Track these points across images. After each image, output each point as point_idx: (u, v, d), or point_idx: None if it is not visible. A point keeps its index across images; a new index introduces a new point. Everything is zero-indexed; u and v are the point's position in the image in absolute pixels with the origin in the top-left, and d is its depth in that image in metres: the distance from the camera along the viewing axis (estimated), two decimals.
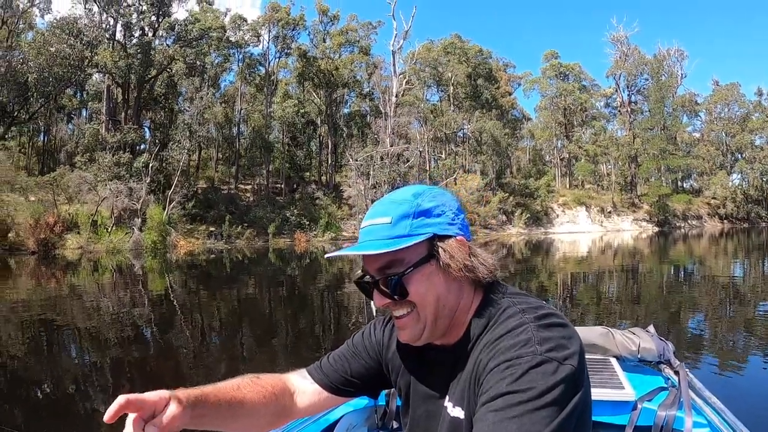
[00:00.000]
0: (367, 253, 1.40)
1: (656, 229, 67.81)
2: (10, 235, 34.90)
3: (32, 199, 38.76)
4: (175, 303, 15.08)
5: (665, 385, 2.89)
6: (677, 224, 71.64)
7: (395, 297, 1.42)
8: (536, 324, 1.27)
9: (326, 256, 1.67)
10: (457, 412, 1.41)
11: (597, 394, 2.57)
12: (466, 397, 1.36)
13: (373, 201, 38.42)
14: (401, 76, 59.57)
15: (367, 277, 1.49)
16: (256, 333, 10.68)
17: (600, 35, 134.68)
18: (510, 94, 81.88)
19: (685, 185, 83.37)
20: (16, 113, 38.19)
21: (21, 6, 40.05)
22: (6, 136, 42.58)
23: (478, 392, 1.26)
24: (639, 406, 2.65)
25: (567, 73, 79.66)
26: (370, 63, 67.36)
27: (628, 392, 2.68)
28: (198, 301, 15.95)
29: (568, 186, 77.93)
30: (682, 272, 21.54)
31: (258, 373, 1.68)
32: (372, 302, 1.51)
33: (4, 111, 37.30)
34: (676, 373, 3.00)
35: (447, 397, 1.46)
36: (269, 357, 8.25)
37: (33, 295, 16.70)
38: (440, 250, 1.40)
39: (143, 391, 1.26)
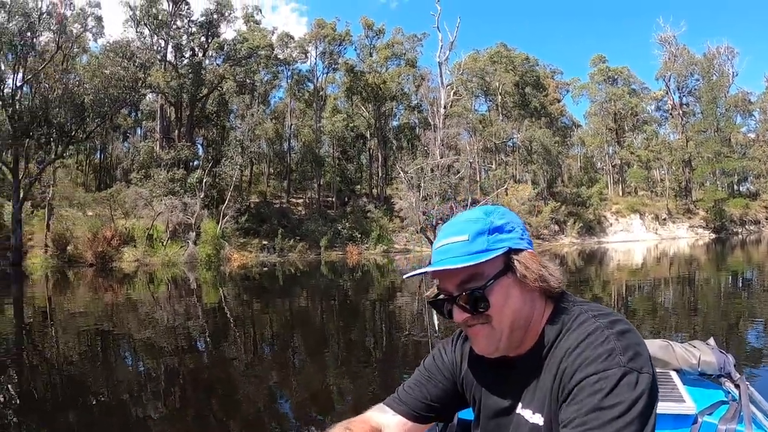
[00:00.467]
0: (448, 269, 1.45)
1: (713, 235, 65.51)
2: (69, 248, 35.97)
3: (90, 214, 39.91)
4: (228, 314, 15.23)
5: (725, 399, 2.85)
6: (734, 230, 68.99)
7: (476, 311, 1.47)
8: (613, 331, 1.33)
9: (405, 276, 1.76)
10: (537, 419, 1.44)
11: (659, 407, 2.52)
12: (548, 403, 1.40)
13: (424, 213, 37.85)
14: (449, 87, 59.43)
15: (442, 295, 1.54)
16: (308, 344, 10.68)
17: (647, 37, 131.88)
18: (559, 101, 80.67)
19: (741, 189, 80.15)
20: (73, 133, 39.33)
21: (75, 31, 41.26)
22: (64, 155, 43.92)
23: (564, 399, 1.32)
24: (699, 419, 2.63)
25: (615, 77, 77.81)
26: (417, 75, 67.43)
27: (688, 406, 2.66)
28: (251, 312, 16.04)
29: (620, 193, 75.96)
30: (741, 280, 20.86)
31: (346, 422, 1.74)
32: (435, 319, 1.59)
33: (62, 131, 38.45)
34: (737, 386, 2.96)
35: (520, 405, 1.51)
36: (320, 368, 8.23)
37: (90, 306, 17.14)
38: (516, 262, 1.47)
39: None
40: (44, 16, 38.26)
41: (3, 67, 38.04)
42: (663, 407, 2.58)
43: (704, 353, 3.21)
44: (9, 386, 7.26)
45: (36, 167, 41.18)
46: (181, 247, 40.15)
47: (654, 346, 3.23)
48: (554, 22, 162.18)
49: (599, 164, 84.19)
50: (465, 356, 1.73)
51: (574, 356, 1.33)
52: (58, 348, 10.35)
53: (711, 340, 3.44)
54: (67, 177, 45.70)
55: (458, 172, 54.16)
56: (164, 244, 40.16)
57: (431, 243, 47.28)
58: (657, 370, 3.01)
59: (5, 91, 37.93)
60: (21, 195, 36.55)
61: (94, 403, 6.55)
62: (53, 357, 9.53)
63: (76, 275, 29.87)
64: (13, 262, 34.64)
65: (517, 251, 1.48)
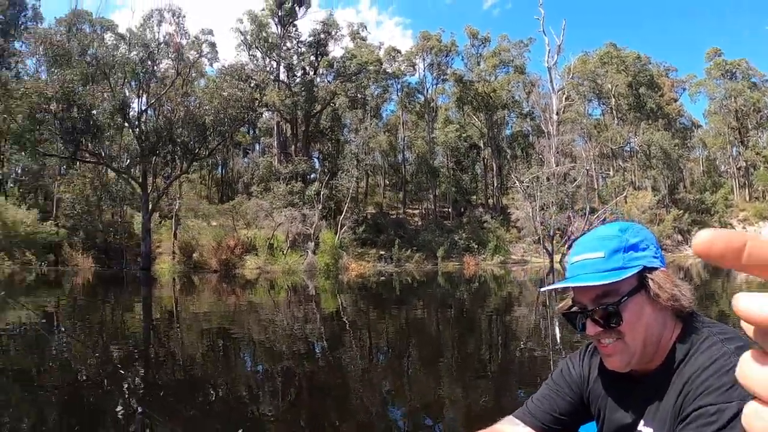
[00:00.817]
0: (586, 285, 1.54)
1: None
2: (194, 255, 38.02)
3: (214, 224, 42.15)
4: (345, 321, 15.40)
5: None
6: None
7: (609, 325, 1.53)
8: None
9: (541, 289, 1.64)
10: None
11: None
12: (668, 423, 1.43)
13: (541, 223, 37.11)
14: (560, 92, 58.54)
15: (576, 307, 1.63)
16: (422, 353, 10.61)
17: (763, 24, 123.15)
18: (675, 101, 77.08)
19: None
20: (196, 150, 41.60)
21: (191, 57, 43.71)
22: (189, 170, 46.42)
23: (680, 421, 1.36)
24: None
25: (734, 70, 72.87)
26: (526, 82, 66.63)
27: None
28: (367, 320, 16.11)
29: (747, 198, 71.27)
30: None
31: None
32: (557, 333, 1.68)
33: (186, 149, 40.79)
34: None
35: (642, 422, 1.54)
36: (433, 378, 8.12)
37: (213, 308, 18.00)
38: (650, 281, 1.51)
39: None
40: (162, 45, 40.93)
41: (128, 93, 40.70)
42: None
43: None
44: (136, 378, 7.66)
45: (163, 182, 44.30)
46: (301, 256, 41.29)
47: None
48: (662, 16, 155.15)
49: (723, 167, 79.30)
50: (593, 370, 1.79)
51: (698, 382, 1.35)
52: (182, 345, 10.87)
53: None
54: (191, 190, 48.50)
55: (574, 180, 53.02)
56: (284, 253, 41.47)
57: (549, 254, 45.84)
58: None
59: (132, 114, 40.97)
60: (150, 207, 39.15)
61: (213, 398, 6.82)
62: (177, 353, 10.01)
63: (200, 280, 31.33)
64: (143, 267, 37.01)
65: (651, 270, 1.53)
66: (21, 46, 53.17)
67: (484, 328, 14.35)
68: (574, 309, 1.62)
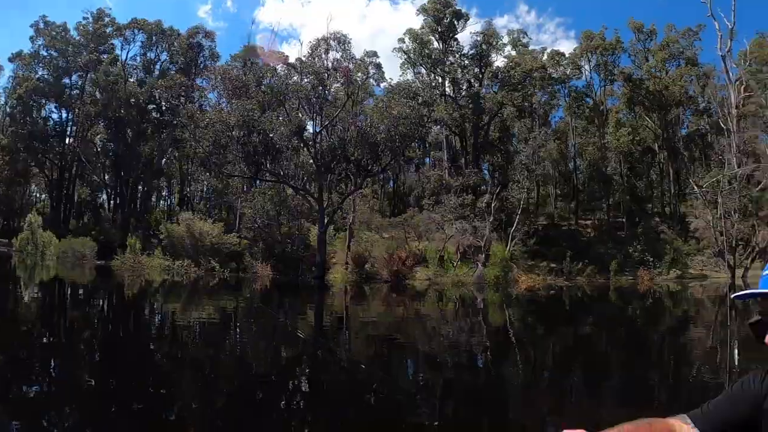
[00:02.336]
0: None
1: None
2: (367, 265, 39.62)
3: (386, 236, 43.58)
4: (511, 335, 15.41)
5: None
6: None
7: None
8: None
9: (733, 295, 1.74)
10: None
11: None
12: None
13: (722, 233, 34.33)
14: (737, 83, 54.26)
15: (762, 318, 1.61)
16: (587, 374, 10.38)
17: None
18: None
19: None
20: (369, 167, 43.49)
21: (359, 80, 45.81)
22: (362, 186, 48.61)
23: None
24: None
25: None
26: (700, 74, 62.02)
27: None
28: (534, 335, 16.02)
29: None
30: None
31: (651, 419, 1.84)
32: (735, 356, 1.79)
33: (359, 166, 42.82)
34: None
35: None
36: (597, 401, 8.03)
37: (382, 316, 18.73)
38: None
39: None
40: (331, 71, 43.16)
41: (302, 117, 43.58)
42: None
43: None
44: (302, 377, 8.44)
45: (338, 197, 46.69)
46: (471, 268, 41.60)
47: None
48: None
49: None
50: None
51: None
52: (348, 350, 11.52)
53: None
54: (364, 204, 50.41)
55: (759, 183, 49.34)
56: (454, 264, 41.99)
57: (730, 267, 42.32)
58: None
59: (307, 136, 43.66)
60: (325, 220, 41.37)
61: (372, 401, 7.31)
62: (343, 357, 10.61)
63: (371, 289, 32.71)
64: (317, 276, 39.05)
65: None
66: (202, 82, 59.06)
67: (655, 350, 13.86)
68: (761, 320, 1.60)
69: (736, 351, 11.29)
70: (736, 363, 10.21)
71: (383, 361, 10.62)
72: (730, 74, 52.11)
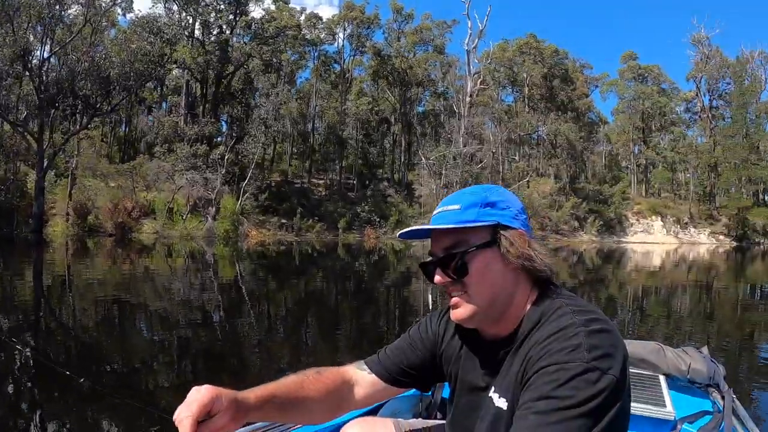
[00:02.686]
0: (436, 228, 1.51)
1: (734, 244, 64.26)
2: (90, 217, 36.40)
3: (112, 185, 40.34)
4: (243, 291, 15.26)
5: (710, 410, 2.82)
6: (756, 240, 67.66)
7: (454, 275, 1.51)
8: (587, 329, 1.31)
9: (398, 234, 1.65)
10: (502, 403, 1.46)
11: (639, 410, 2.61)
12: (512, 389, 1.41)
13: None
14: (476, 75, 59.10)
15: (432, 258, 1.58)
16: (321, 324, 10.70)
17: (680, 36, 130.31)
18: (586, 96, 79.61)
19: (767, 198, 79.26)
20: (98, 105, 39.68)
21: (103, 5, 41.41)
22: (89, 126, 44.34)
23: (522, 386, 1.33)
24: (679, 426, 2.61)
25: (646, 75, 77.16)
26: (444, 62, 67.15)
27: (669, 411, 2.64)
28: (266, 290, 16.03)
29: (644, 194, 75.49)
30: (759, 293, 20.59)
31: (320, 368, 1.75)
32: (429, 297, 1.61)
33: (87, 103, 38.87)
34: (723, 398, 2.93)
35: (492, 388, 1.52)
36: (331, 348, 8.31)
37: (108, 275, 17.24)
38: (502, 237, 1.49)
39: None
40: None
41: (32, 39, 38.29)
42: (644, 410, 2.64)
43: (695, 361, 3.18)
44: (26, 350, 7.28)
45: (61, 137, 41.59)
46: (200, 221, 40.42)
47: (646, 348, 3.25)
48: (586, 15, 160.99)
49: (624, 163, 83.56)
50: (449, 330, 1.76)
51: (541, 347, 1.33)
52: (74, 315, 10.40)
53: (704, 349, 3.44)
54: (91, 148, 46.09)
55: (481, 162, 54.00)
56: (184, 217, 40.43)
57: None
58: (646, 373, 3.07)
59: (33, 62, 38.43)
60: (45, 164, 36.89)
61: (107, 370, 6.62)
62: (69, 323, 9.58)
63: (95, 244, 30.17)
64: (33, 230, 34.98)
65: (506, 227, 1.51)
66: None
67: (382, 301, 14.56)
68: (429, 260, 1.59)
69: (429, 293, 12.04)
70: (430, 303, 11.04)
71: (113, 324, 9.81)
72: (471, 67, 57.77)
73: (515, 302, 1.51)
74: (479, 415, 1.55)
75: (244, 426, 2.11)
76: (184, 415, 1.28)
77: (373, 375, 1.81)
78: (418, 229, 1.57)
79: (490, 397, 1.51)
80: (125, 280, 16.26)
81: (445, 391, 1.99)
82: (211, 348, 8.09)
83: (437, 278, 1.54)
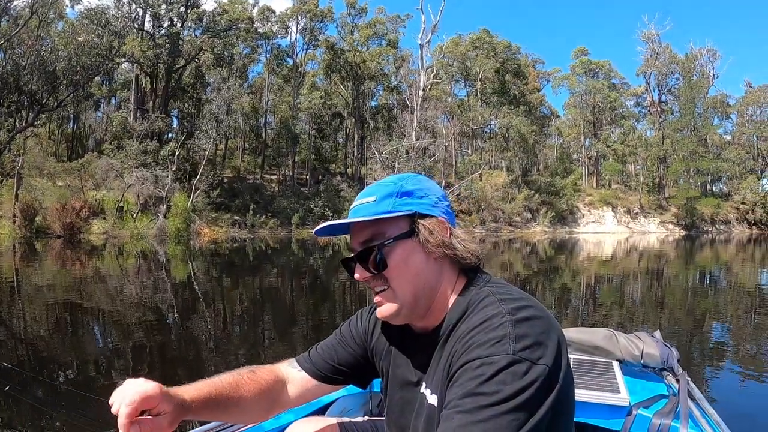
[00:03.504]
0: (351, 221, 1.47)
1: (683, 232, 66.57)
2: (37, 219, 35.46)
3: (60, 184, 39.32)
4: (197, 290, 15.11)
5: (665, 393, 2.84)
6: (704, 228, 70.01)
7: (373, 270, 1.46)
8: (513, 318, 1.25)
9: (314, 230, 1.60)
10: (433, 400, 1.42)
11: (593, 397, 2.61)
12: (440, 385, 1.36)
13: None
14: (429, 70, 59.39)
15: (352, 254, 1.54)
16: (277, 322, 10.64)
17: (631, 32, 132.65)
18: (538, 91, 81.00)
19: (714, 189, 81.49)
20: (45, 101, 38.58)
21: None
22: (35, 123, 43.17)
23: (448, 382, 1.27)
24: (634, 412, 2.61)
25: (597, 70, 78.64)
26: (397, 56, 67.23)
27: (623, 397, 2.63)
28: (220, 288, 15.94)
29: (595, 185, 76.95)
30: (707, 278, 21.10)
31: (254, 366, 1.72)
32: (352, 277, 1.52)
33: (33, 98, 37.77)
34: (678, 381, 2.95)
35: (424, 384, 1.49)
36: (288, 346, 8.20)
37: (58, 278, 16.83)
38: (420, 226, 1.45)
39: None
40: None
41: None
42: (598, 397, 2.62)
43: (648, 345, 3.20)
44: None
45: (5, 135, 40.32)
46: (151, 220, 39.78)
47: (598, 336, 3.25)
48: (539, 11, 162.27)
49: (575, 155, 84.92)
50: (378, 325, 1.73)
51: (465, 340, 1.28)
52: (24, 320, 10.14)
53: (657, 333, 3.47)
54: (37, 146, 44.77)
55: (433, 155, 54.26)
56: (134, 216, 39.73)
57: None
58: (599, 359, 3.09)
59: None
60: None
61: (61, 378, 6.44)
62: (19, 330, 9.35)
63: (43, 246, 29.42)
64: None
65: (425, 216, 1.47)
66: None
67: (337, 297, 14.61)
68: (352, 256, 1.54)
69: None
70: None
71: (65, 330, 9.56)
72: (424, 62, 58.17)
73: (440, 293, 1.47)
74: (413, 411, 1.52)
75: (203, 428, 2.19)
76: (126, 403, 1.25)
77: (303, 372, 1.78)
78: (334, 225, 1.53)
79: (422, 393, 1.48)
80: (76, 282, 15.90)
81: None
82: (165, 349, 8.00)
83: (357, 274, 1.50)
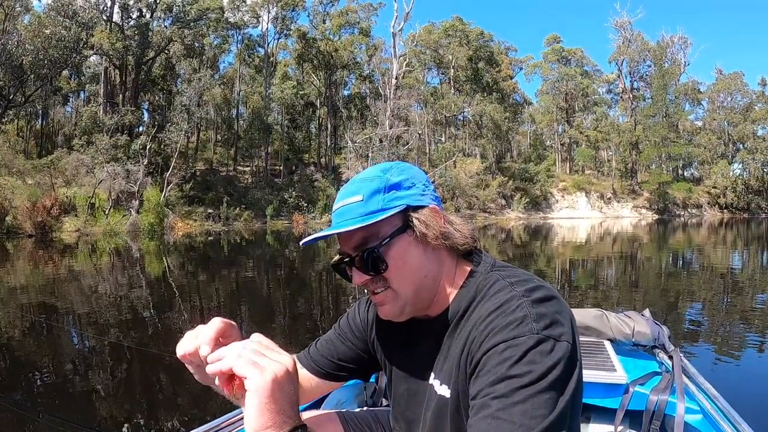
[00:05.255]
0: (343, 231, 1.37)
1: (656, 216, 67.82)
2: (7, 218, 34.70)
3: (30, 182, 38.63)
4: (173, 285, 15.01)
5: (659, 370, 2.86)
6: (677, 212, 71.53)
7: (373, 272, 1.40)
8: (529, 299, 1.24)
9: (302, 242, 1.51)
10: (444, 391, 1.38)
11: (589, 376, 2.59)
12: (454, 375, 1.33)
13: None
14: (401, 58, 59.29)
15: (344, 258, 1.46)
16: (255, 315, 10.64)
17: (603, 20, 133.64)
18: (511, 78, 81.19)
19: (685, 174, 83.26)
20: (12, 96, 37.85)
21: None
22: (3, 120, 42.39)
23: (472, 372, 1.23)
24: (631, 389, 2.63)
25: (569, 57, 79.89)
26: (370, 45, 67.08)
27: (620, 375, 2.65)
28: (196, 283, 15.87)
29: (568, 171, 77.90)
30: (681, 261, 21.50)
31: None
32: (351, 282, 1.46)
33: (0, 94, 36.96)
34: (671, 358, 2.98)
35: (432, 375, 1.45)
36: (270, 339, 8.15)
37: (30, 279, 16.56)
38: (415, 220, 1.39)
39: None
40: None
41: None
42: (595, 376, 2.64)
43: (639, 324, 3.24)
44: None
45: None
46: (124, 216, 39.32)
47: (588, 315, 3.25)
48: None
49: (548, 142, 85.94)
50: (377, 317, 1.67)
51: (483, 326, 1.25)
52: None
53: (646, 312, 3.51)
54: (5, 144, 43.88)
55: (407, 144, 54.28)
56: (106, 213, 39.22)
57: None
58: (591, 339, 3.12)
59: None
60: None
61: (38, 381, 6.37)
62: None
63: (15, 247, 28.88)
64: None
65: (417, 208, 1.41)
66: None
67: (314, 288, 14.61)
68: (343, 259, 1.46)
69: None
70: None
71: (41, 332, 9.41)
72: (397, 50, 58.21)
73: (444, 282, 1.44)
74: (421, 402, 1.49)
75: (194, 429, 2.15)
76: (205, 335, 1.24)
77: (305, 370, 1.75)
78: (324, 236, 1.44)
79: (431, 384, 1.44)
80: (49, 283, 15.70)
81: None
82: (144, 348, 7.88)
83: (356, 279, 1.43)
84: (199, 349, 1.23)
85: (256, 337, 1.18)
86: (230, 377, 1.15)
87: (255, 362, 1.10)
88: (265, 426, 1.05)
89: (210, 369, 1.16)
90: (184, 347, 1.28)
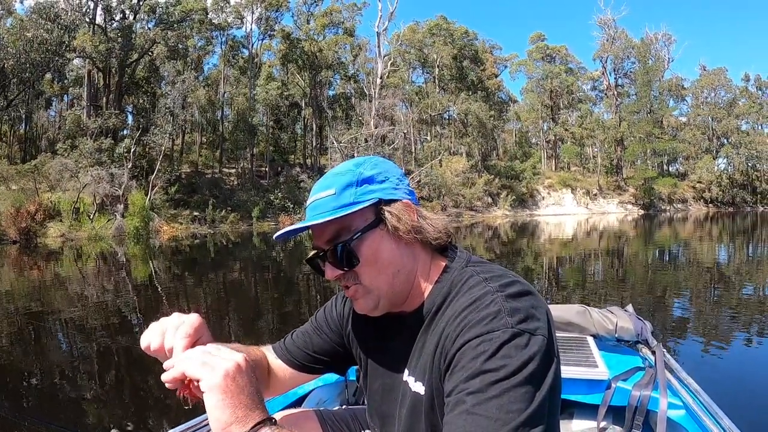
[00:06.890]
0: (314, 224, 1.38)
1: (641, 212, 68.15)
2: None
3: (14, 188, 38.29)
4: (159, 289, 14.94)
5: (642, 365, 2.88)
6: (662, 207, 71.94)
7: (345, 266, 1.40)
8: (503, 294, 1.23)
9: (275, 236, 1.51)
10: (418, 388, 1.37)
11: (572, 372, 2.63)
12: (428, 372, 1.32)
13: None
14: (386, 57, 59.33)
15: (320, 253, 1.46)
16: (243, 317, 10.66)
17: (587, 18, 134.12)
18: (496, 76, 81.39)
19: (671, 169, 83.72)
20: None
21: None
22: None
23: (446, 368, 1.22)
24: (613, 385, 2.65)
25: (553, 55, 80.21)
26: (354, 45, 66.95)
27: (602, 371, 2.67)
28: (183, 286, 15.83)
29: (554, 168, 78.02)
30: (667, 255, 21.67)
31: (244, 346, 1.65)
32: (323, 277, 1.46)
33: None
34: (653, 353, 3.00)
35: (406, 371, 1.44)
36: (256, 341, 8.06)
37: (15, 286, 16.47)
38: (387, 213, 1.39)
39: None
40: None
41: None
42: (577, 372, 2.66)
43: (621, 319, 3.25)
44: None
45: None
46: (109, 220, 39.05)
47: (571, 311, 3.29)
48: None
49: (534, 139, 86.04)
50: (352, 311, 1.66)
51: (457, 322, 1.24)
52: None
53: (629, 307, 3.53)
54: None
55: (393, 143, 54.27)
56: (91, 217, 38.94)
57: None
58: (573, 335, 3.15)
59: None
60: None
61: (26, 387, 6.38)
62: None
63: None
64: None
65: (389, 202, 1.41)
66: None
67: (302, 289, 14.61)
68: (318, 254, 1.47)
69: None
70: None
71: (28, 339, 9.42)
72: (382, 49, 58.02)
73: (418, 277, 1.43)
74: (396, 399, 1.48)
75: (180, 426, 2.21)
76: (180, 337, 1.25)
77: (279, 361, 1.75)
78: (295, 229, 1.43)
79: (405, 380, 1.43)
80: (35, 289, 15.61)
81: None
82: (132, 353, 7.86)
83: (329, 273, 1.43)
84: (173, 347, 1.26)
85: (210, 346, 1.20)
86: (188, 383, 1.16)
87: (204, 362, 1.11)
88: (229, 423, 1.05)
89: (165, 378, 1.17)
90: (149, 340, 1.30)
